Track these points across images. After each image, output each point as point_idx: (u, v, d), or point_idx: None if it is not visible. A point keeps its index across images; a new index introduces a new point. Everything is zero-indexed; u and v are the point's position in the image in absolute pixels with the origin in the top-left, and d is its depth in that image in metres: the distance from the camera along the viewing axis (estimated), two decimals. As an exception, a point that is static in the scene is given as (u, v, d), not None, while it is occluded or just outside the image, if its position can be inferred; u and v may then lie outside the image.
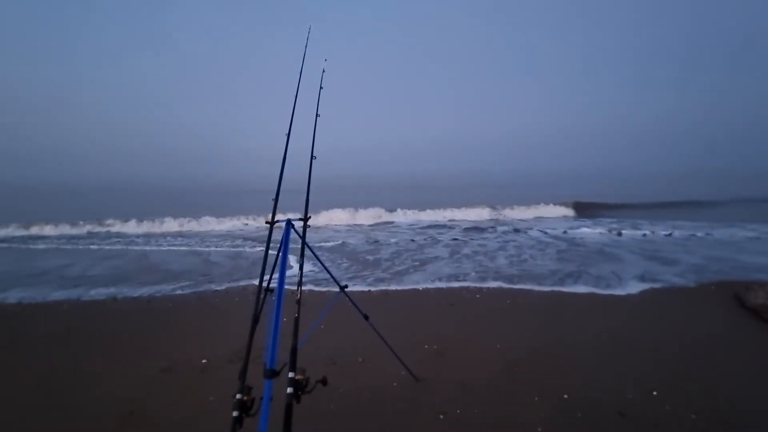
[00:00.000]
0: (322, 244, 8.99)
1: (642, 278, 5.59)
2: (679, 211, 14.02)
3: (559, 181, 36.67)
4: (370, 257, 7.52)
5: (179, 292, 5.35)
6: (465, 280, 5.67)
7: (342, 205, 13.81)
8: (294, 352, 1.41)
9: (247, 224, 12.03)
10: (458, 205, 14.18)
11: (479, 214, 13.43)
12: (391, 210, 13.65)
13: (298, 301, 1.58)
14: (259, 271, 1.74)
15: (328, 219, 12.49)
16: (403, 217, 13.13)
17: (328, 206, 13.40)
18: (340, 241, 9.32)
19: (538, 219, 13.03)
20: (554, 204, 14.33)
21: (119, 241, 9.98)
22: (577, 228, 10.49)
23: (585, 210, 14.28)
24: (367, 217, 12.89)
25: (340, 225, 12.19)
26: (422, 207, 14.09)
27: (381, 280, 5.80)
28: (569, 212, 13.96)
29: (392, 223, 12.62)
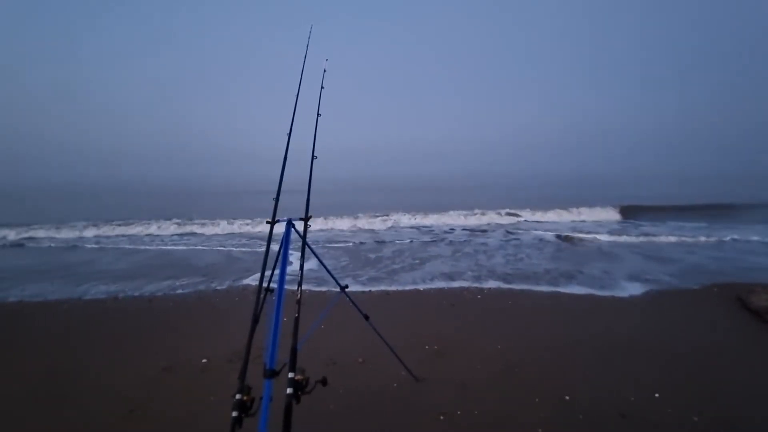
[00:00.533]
0: (334, 245, 8.99)
1: (645, 280, 5.58)
2: (720, 213, 13.25)
3: (597, 183, 35.11)
4: (382, 259, 7.52)
5: (180, 291, 5.35)
6: (466, 281, 5.66)
7: (358, 208, 13.68)
8: (294, 352, 1.41)
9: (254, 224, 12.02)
10: (484, 209, 13.70)
11: (503, 218, 12.83)
12: (409, 213, 13.21)
13: (299, 301, 1.57)
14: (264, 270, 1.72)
15: (343, 223, 12.05)
16: (425, 220, 12.62)
17: (344, 209, 13.13)
18: (350, 243, 9.32)
19: (579, 222, 12.30)
20: (573, 207, 13.65)
21: (123, 241, 10.00)
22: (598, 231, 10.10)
23: (631, 213, 13.41)
24: (383, 221, 12.43)
25: (357, 228, 11.70)
26: (444, 210, 13.57)
27: (384, 281, 5.80)
28: (613, 215, 13.13)
29: (415, 227, 12.04)
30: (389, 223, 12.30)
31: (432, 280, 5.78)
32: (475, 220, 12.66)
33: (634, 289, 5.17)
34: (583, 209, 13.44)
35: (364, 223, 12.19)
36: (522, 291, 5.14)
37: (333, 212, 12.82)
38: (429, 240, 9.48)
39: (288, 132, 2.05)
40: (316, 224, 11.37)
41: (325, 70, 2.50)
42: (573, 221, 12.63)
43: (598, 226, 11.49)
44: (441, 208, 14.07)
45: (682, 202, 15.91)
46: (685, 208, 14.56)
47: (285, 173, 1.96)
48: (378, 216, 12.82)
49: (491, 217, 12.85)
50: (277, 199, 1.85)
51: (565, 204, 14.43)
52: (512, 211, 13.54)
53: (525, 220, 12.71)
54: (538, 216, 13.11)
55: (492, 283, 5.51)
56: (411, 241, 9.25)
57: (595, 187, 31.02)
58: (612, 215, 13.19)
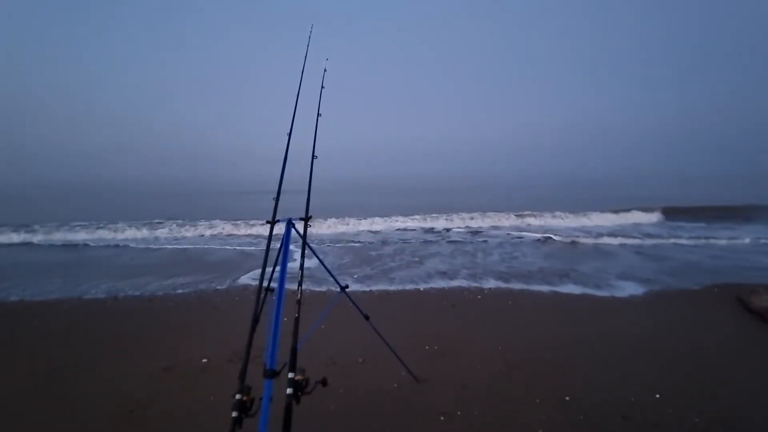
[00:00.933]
0: (336, 245, 8.99)
1: (646, 280, 5.57)
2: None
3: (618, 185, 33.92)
4: (384, 260, 7.51)
5: (180, 291, 5.35)
6: (466, 281, 5.65)
7: (361, 210, 13.58)
8: (294, 352, 1.40)
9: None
10: (487, 210, 13.41)
11: (509, 220, 12.46)
12: (411, 215, 12.92)
13: (299, 301, 1.57)
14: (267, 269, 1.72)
15: (345, 225, 11.77)
16: (427, 222, 12.33)
17: (346, 211, 12.95)
18: (351, 244, 9.31)
19: (620, 226, 11.68)
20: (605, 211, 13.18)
21: (128, 241, 10.01)
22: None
23: (634, 216, 12.84)
24: (386, 222, 12.19)
25: (359, 230, 11.41)
26: (447, 212, 13.28)
27: (384, 281, 5.79)
28: (616, 219, 12.58)
29: (433, 229, 11.53)
30: (393, 225, 12.09)
31: (432, 280, 5.78)
32: (478, 222, 12.45)
33: (635, 289, 5.17)
34: (591, 213, 13.10)
35: (367, 224, 12.01)
36: (522, 291, 5.14)
37: (335, 214, 12.79)
38: (430, 240, 9.48)
39: (288, 132, 2.05)
40: (317, 225, 11.31)
41: (325, 70, 2.50)
42: (575, 223, 12.36)
43: (599, 227, 11.47)
44: (444, 210, 13.95)
45: (690, 204, 15.46)
46: (697, 210, 14.03)
47: (286, 173, 1.96)
48: (381, 217, 12.64)
49: (495, 220, 12.59)
50: (277, 199, 1.84)
51: (572, 207, 14.21)
52: (519, 213, 13.26)
53: (530, 224, 12.32)
54: (546, 219, 12.70)
55: (492, 283, 5.50)
56: (412, 242, 9.24)
57: (596, 188, 30.98)
58: (615, 219, 12.84)
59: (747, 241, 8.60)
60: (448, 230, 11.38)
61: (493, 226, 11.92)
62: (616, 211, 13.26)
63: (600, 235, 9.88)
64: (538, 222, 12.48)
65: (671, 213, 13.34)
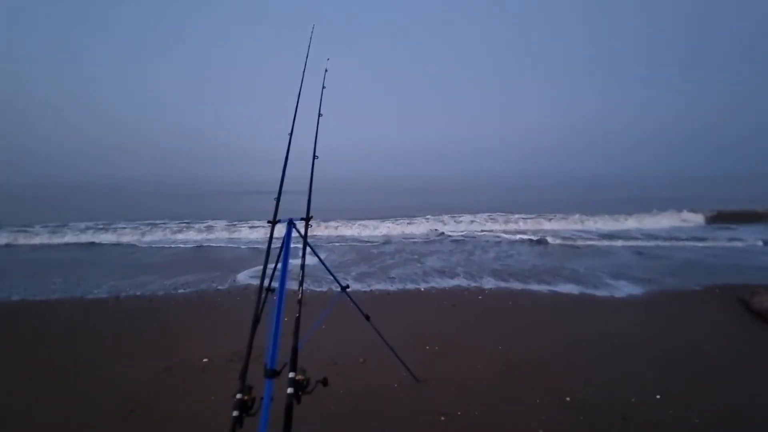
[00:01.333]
0: (337, 243, 8.99)
1: (647, 281, 5.57)
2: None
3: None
4: (386, 261, 7.51)
5: (181, 291, 5.35)
6: (467, 281, 5.65)
7: (368, 212, 13.55)
8: (295, 352, 1.40)
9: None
10: (492, 212, 13.43)
11: (517, 224, 12.14)
12: (412, 217, 12.75)
13: (300, 301, 1.57)
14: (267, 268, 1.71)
15: (349, 228, 11.43)
16: (429, 224, 12.04)
17: (351, 213, 12.86)
18: (353, 246, 9.30)
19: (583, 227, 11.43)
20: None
21: (134, 241, 10.02)
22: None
23: (676, 217, 12.54)
24: (422, 227, 11.94)
25: (364, 233, 11.04)
26: (450, 213, 13.16)
27: (385, 281, 5.79)
28: (659, 220, 12.23)
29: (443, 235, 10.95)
30: (394, 225, 11.84)
31: (433, 280, 5.78)
32: (480, 223, 12.30)
33: (635, 289, 5.16)
34: (593, 215, 12.83)
35: (367, 224, 11.76)
36: (522, 291, 5.14)
37: (335, 214, 12.78)
38: (431, 240, 9.48)
39: (289, 132, 2.05)
40: (317, 226, 11.21)
41: (326, 70, 2.50)
42: (577, 225, 12.09)
43: (600, 229, 11.46)
44: (446, 211, 13.92)
45: (692, 205, 15.03)
46: (700, 211, 13.47)
47: (289, 174, 1.96)
48: (382, 218, 12.57)
49: (497, 222, 12.42)
50: (278, 199, 1.84)
51: (575, 208, 14.04)
52: (519, 215, 13.12)
53: (529, 226, 12.04)
54: (551, 222, 12.37)
55: (492, 284, 5.50)
56: (413, 243, 9.24)
57: (599, 189, 30.94)
58: (617, 220, 12.55)
59: (759, 243, 8.52)
60: (449, 231, 11.31)
61: (496, 228, 11.79)
62: (617, 214, 13.15)
63: (602, 236, 9.86)
64: (538, 224, 12.33)
65: (675, 214, 13.23)
